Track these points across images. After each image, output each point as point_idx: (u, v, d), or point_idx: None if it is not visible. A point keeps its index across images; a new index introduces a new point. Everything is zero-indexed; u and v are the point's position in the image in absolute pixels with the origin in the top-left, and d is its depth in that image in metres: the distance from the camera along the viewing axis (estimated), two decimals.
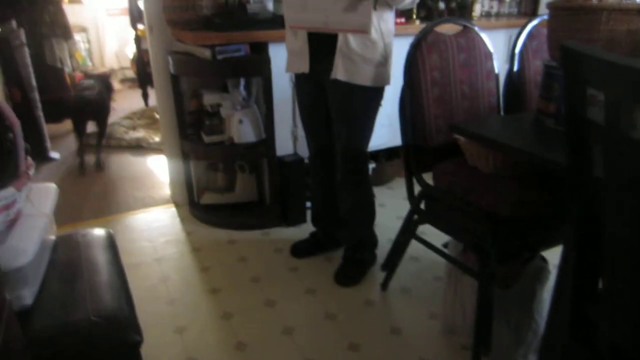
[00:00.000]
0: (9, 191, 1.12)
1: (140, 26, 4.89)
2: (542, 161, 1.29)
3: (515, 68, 1.89)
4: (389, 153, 3.13)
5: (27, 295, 1.15)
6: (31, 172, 1.24)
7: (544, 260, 1.66)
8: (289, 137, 2.60)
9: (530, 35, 1.90)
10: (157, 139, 3.93)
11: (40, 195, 1.36)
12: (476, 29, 1.84)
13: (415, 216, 1.87)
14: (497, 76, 1.88)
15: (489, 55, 1.84)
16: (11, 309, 0.91)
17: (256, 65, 2.32)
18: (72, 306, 1.18)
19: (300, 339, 1.81)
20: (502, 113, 1.92)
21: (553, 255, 1.65)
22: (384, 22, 1.80)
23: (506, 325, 1.63)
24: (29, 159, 1.27)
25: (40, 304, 1.18)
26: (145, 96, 5.09)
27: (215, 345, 1.78)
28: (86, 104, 3.47)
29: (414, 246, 1.96)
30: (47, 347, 1.08)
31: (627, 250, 0.90)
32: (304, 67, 1.92)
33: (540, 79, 1.54)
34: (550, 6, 1.48)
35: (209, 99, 2.53)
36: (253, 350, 1.75)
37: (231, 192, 2.75)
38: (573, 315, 1.10)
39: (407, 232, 1.90)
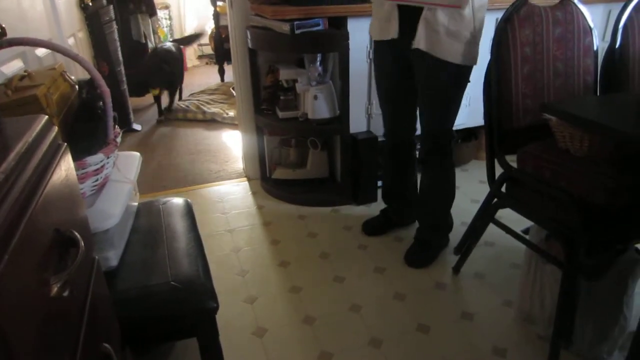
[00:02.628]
0: (99, 157, 1.17)
1: (219, 3, 4.98)
2: None
3: (618, 44, 1.71)
4: (465, 134, 3.00)
5: (113, 257, 1.21)
6: (118, 140, 1.29)
7: (638, 252, 1.53)
8: (363, 115, 2.55)
9: (637, 8, 1.71)
10: (231, 114, 4.01)
11: (126, 163, 1.42)
12: (575, 1, 1.68)
13: (495, 200, 1.77)
14: (596, 53, 1.72)
15: (588, 31, 1.68)
16: (99, 268, 0.96)
17: (334, 40, 2.28)
18: (152, 270, 1.23)
19: (368, 317, 1.80)
20: (598, 93, 1.76)
21: None
22: None
23: (590, 318, 1.52)
24: (117, 127, 1.32)
25: (123, 266, 1.24)
26: (221, 72, 5.21)
27: (284, 317, 1.81)
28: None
29: (490, 231, 1.87)
30: (129, 307, 1.13)
31: None
32: (393, 32, 1.81)
33: None
34: None
35: (285, 74, 2.53)
36: (321, 324, 1.76)
37: (303, 168, 2.76)
38: None
39: (485, 215, 1.81)
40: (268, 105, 2.68)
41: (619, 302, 1.48)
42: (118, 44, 3.62)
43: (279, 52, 2.62)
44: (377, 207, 2.53)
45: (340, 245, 2.26)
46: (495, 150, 1.71)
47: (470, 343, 1.67)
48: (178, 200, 1.59)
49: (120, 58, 3.65)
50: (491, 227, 1.82)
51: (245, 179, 2.99)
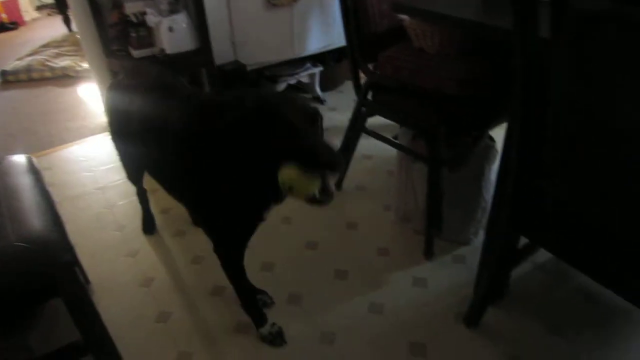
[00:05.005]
0: None
1: None
2: (489, 30, 1.21)
3: None
4: (337, 54, 2.97)
5: None
6: None
7: (491, 139, 1.64)
8: (227, 44, 2.41)
9: None
10: (85, 65, 3.61)
11: None
12: None
13: (363, 109, 1.79)
14: None
15: None
16: None
17: None
18: None
19: (258, 244, 1.75)
20: None
21: (500, 135, 1.64)
22: None
23: (456, 206, 1.63)
24: None
25: None
26: (67, 21, 4.63)
27: (170, 263, 1.73)
28: None
29: (366, 144, 1.90)
30: None
31: (571, 103, 0.87)
32: None
33: None
34: None
35: (131, 7, 2.27)
36: (208, 262, 1.71)
37: None
38: (517, 184, 1.09)
39: (356, 126, 1.83)
40: (119, 45, 2.42)
41: (479, 187, 1.60)
42: None
43: None
44: None
45: None
46: (357, 59, 1.70)
47: (356, 250, 1.73)
48: (17, 158, 1.39)
49: None
50: (368, 141, 1.85)
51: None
